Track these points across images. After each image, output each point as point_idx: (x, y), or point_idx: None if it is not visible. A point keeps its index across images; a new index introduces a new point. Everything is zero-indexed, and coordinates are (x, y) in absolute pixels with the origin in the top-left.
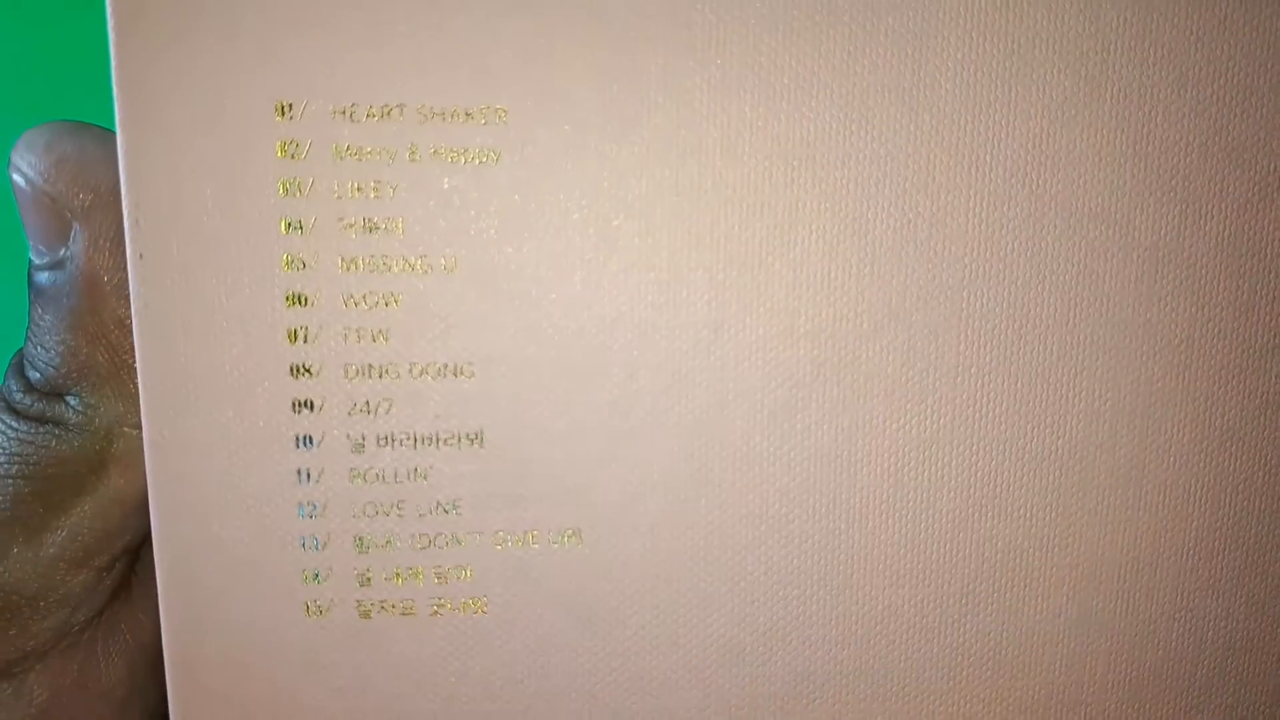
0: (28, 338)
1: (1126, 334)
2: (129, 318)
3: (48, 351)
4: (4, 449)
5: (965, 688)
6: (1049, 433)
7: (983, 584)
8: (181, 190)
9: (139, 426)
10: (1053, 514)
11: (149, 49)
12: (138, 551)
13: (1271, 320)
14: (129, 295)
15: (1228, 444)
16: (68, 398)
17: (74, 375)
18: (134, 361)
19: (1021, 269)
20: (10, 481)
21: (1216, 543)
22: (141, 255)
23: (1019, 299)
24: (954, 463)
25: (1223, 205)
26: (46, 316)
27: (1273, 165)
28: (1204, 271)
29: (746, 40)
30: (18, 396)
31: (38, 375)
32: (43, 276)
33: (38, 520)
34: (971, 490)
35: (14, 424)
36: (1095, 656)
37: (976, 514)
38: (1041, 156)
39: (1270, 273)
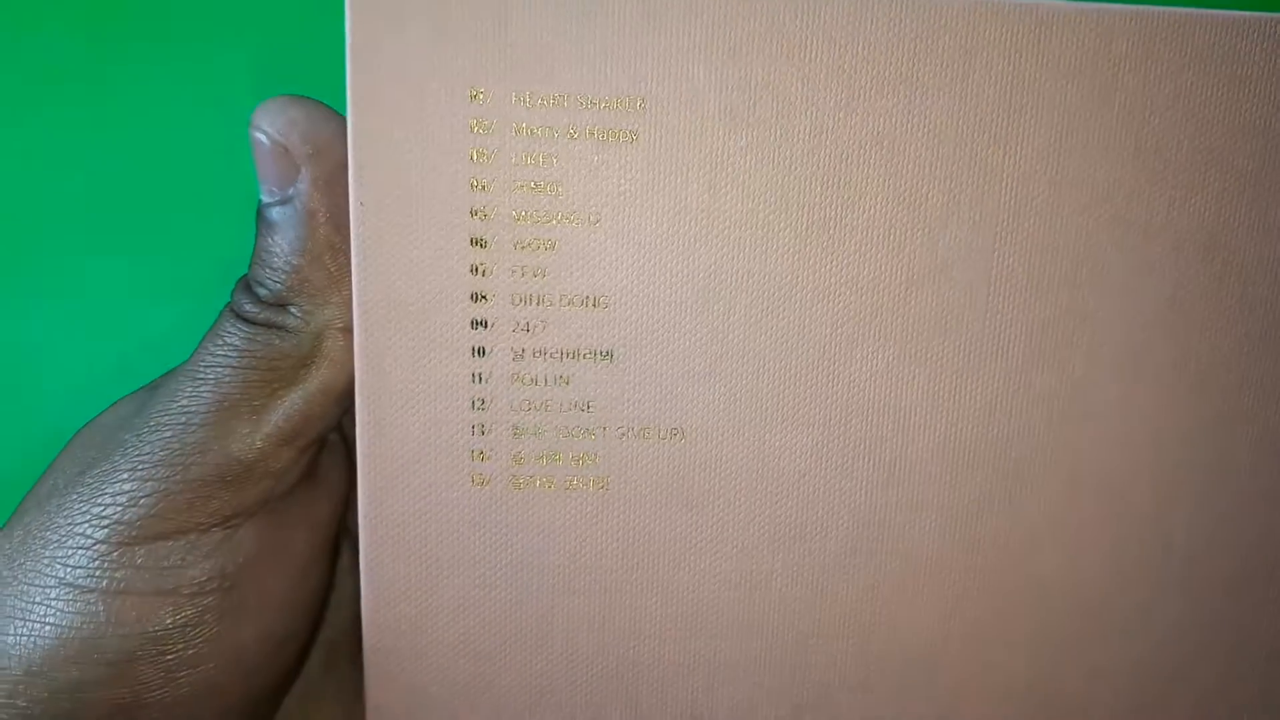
0: (254, 263)
1: (1122, 295)
2: (340, 243)
3: (275, 271)
4: (237, 348)
5: (983, 569)
6: (1054, 370)
7: (996, 487)
8: (395, 153)
9: (345, 329)
10: (1052, 434)
11: (376, 39)
12: (324, 442)
13: (1242, 294)
14: (339, 225)
15: (1209, 389)
16: (290, 307)
17: (295, 289)
18: (343, 277)
19: (1040, 237)
20: (241, 372)
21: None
22: (362, 203)
23: (1037, 262)
24: (975, 388)
25: (1203, 195)
26: (277, 243)
27: (1242, 166)
28: (1186, 246)
29: (831, 49)
30: (248, 308)
31: (265, 291)
32: (274, 212)
33: (260, 403)
34: (988, 408)
35: (245, 328)
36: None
37: (990, 426)
38: (1061, 149)
39: (1239, 250)
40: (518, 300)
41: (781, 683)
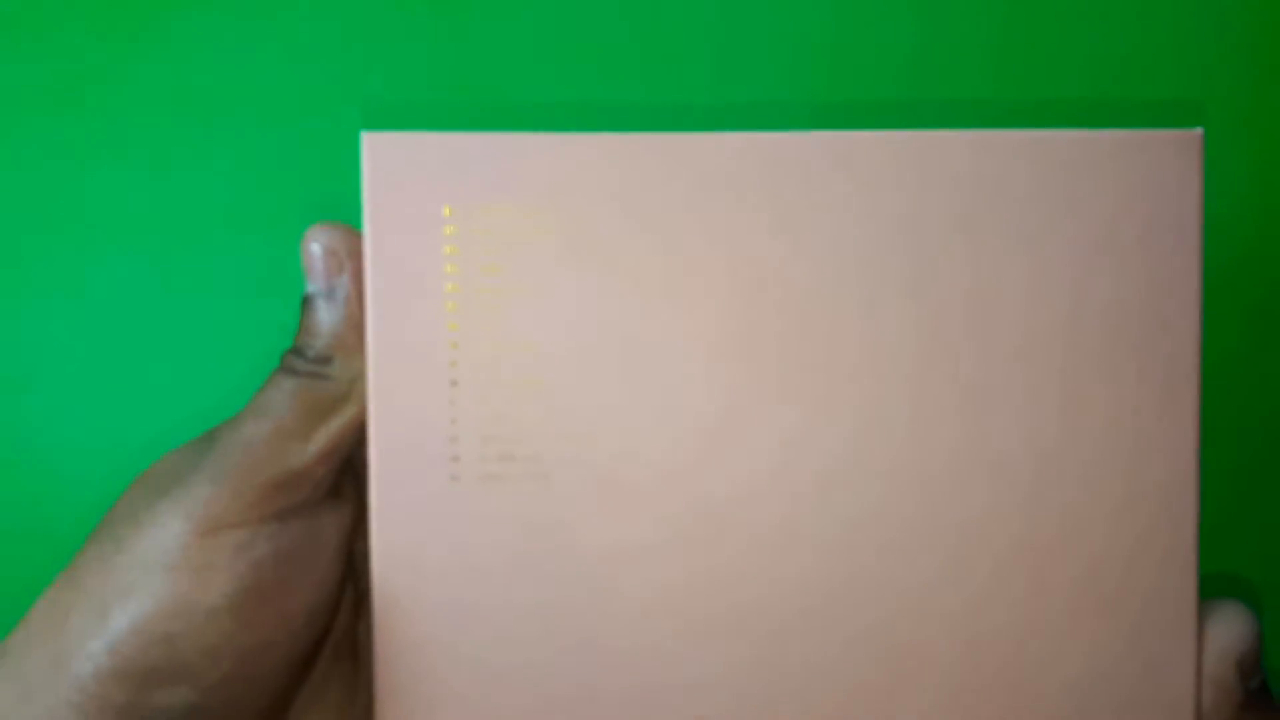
0: (301, 334)
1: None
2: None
3: (321, 338)
4: (292, 392)
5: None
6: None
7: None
8: (396, 251)
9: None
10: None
11: (383, 185)
12: (346, 469)
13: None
14: (363, 304)
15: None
16: (332, 362)
17: (337, 348)
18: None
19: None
20: (296, 409)
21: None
22: (373, 291)
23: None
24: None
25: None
26: (324, 319)
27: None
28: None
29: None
30: (299, 365)
31: (312, 353)
32: (322, 298)
33: (309, 429)
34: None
35: (296, 379)
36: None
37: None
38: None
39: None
40: (480, 347)
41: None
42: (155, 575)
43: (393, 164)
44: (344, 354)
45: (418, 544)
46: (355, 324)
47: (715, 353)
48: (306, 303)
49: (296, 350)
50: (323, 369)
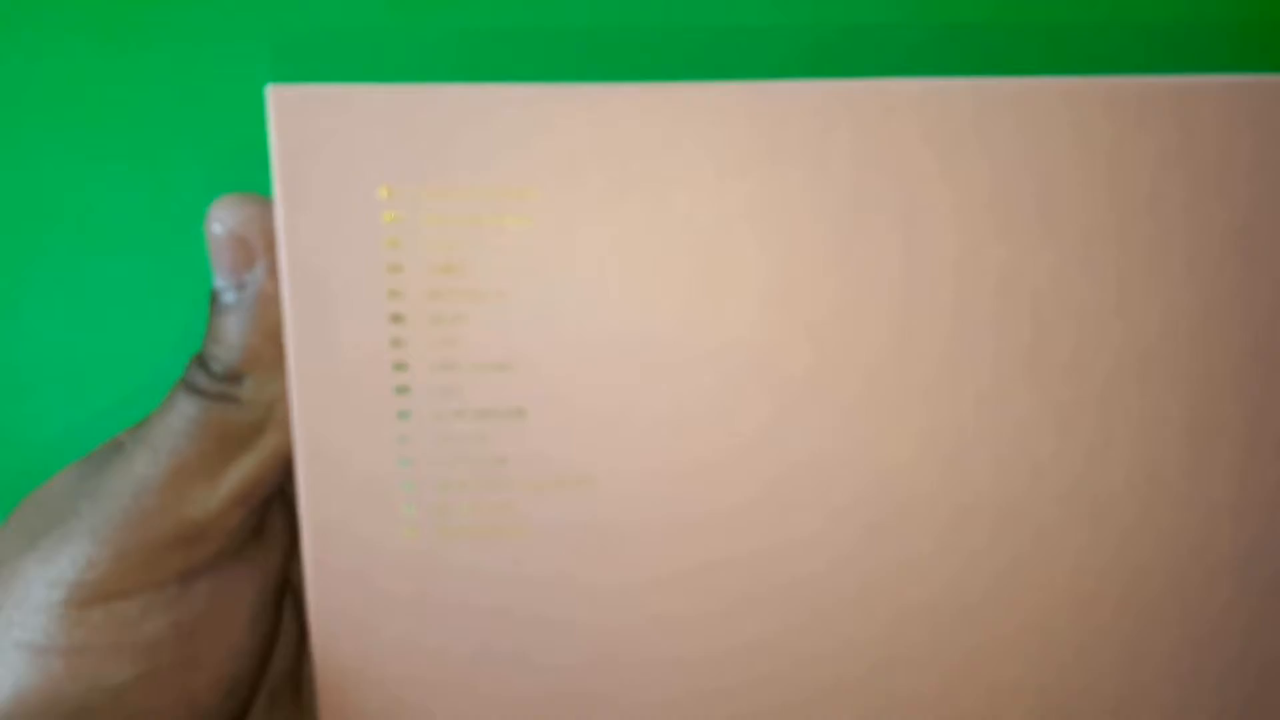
0: (208, 341)
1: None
2: None
3: (228, 349)
4: (193, 418)
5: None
6: (1055, 447)
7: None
8: (319, 245)
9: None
10: (1057, 519)
11: (296, 150)
12: (272, 501)
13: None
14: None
15: (1218, 452)
16: (244, 381)
17: (250, 364)
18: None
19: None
20: (198, 441)
21: (1205, 542)
22: (294, 290)
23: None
24: (880, 430)
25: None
26: (229, 324)
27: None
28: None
29: (706, 130)
30: (203, 382)
31: (219, 366)
32: (229, 297)
33: (215, 469)
34: (979, 493)
35: (200, 401)
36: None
37: (901, 473)
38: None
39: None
40: (436, 368)
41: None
42: (20, 655)
43: (312, 128)
44: (260, 370)
45: (362, 605)
46: (273, 331)
47: (745, 369)
48: (213, 301)
49: (201, 362)
50: (232, 389)
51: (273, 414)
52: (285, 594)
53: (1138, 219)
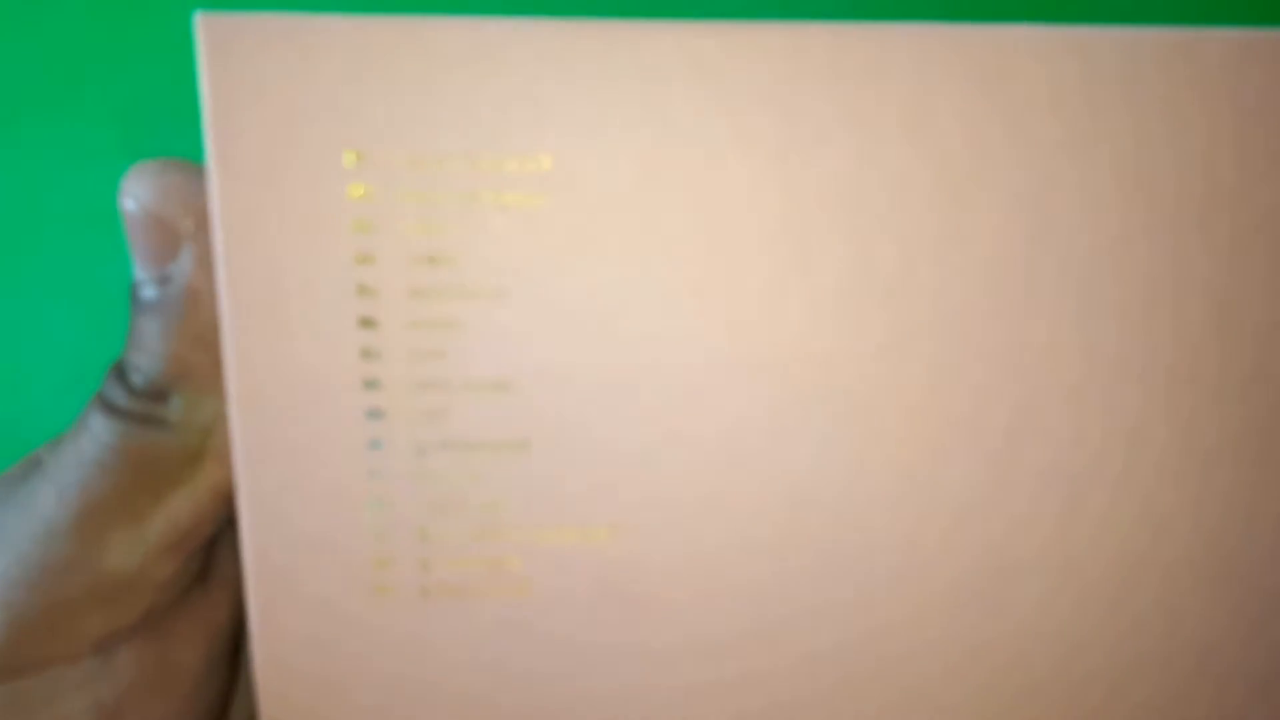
0: (127, 347)
1: (1116, 355)
2: None
3: (151, 358)
4: (108, 445)
5: (956, 677)
6: (1041, 445)
7: (976, 584)
8: (265, 227)
9: None
10: (1050, 524)
11: (235, 100)
12: (214, 541)
13: (1245, 342)
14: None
15: (1210, 457)
16: (171, 398)
17: (177, 377)
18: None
19: (1019, 295)
20: (115, 474)
21: (1195, 550)
22: (231, 284)
23: (1015, 323)
24: (947, 471)
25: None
26: (151, 326)
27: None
28: (1187, 298)
29: (770, 88)
30: (120, 400)
31: (140, 379)
32: (149, 291)
33: (139, 509)
34: (963, 496)
35: (117, 423)
36: (1082, 653)
37: (965, 517)
38: (1038, 198)
39: (1237, 301)
40: (416, 387)
41: None
42: None
43: (254, 70)
44: (190, 387)
45: (320, 682)
46: (205, 337)
47: (809, 388)
48: (132, 297)
49: (120, 373)
50: (157, 409)
51: (208, 441)
52: (243, 641)
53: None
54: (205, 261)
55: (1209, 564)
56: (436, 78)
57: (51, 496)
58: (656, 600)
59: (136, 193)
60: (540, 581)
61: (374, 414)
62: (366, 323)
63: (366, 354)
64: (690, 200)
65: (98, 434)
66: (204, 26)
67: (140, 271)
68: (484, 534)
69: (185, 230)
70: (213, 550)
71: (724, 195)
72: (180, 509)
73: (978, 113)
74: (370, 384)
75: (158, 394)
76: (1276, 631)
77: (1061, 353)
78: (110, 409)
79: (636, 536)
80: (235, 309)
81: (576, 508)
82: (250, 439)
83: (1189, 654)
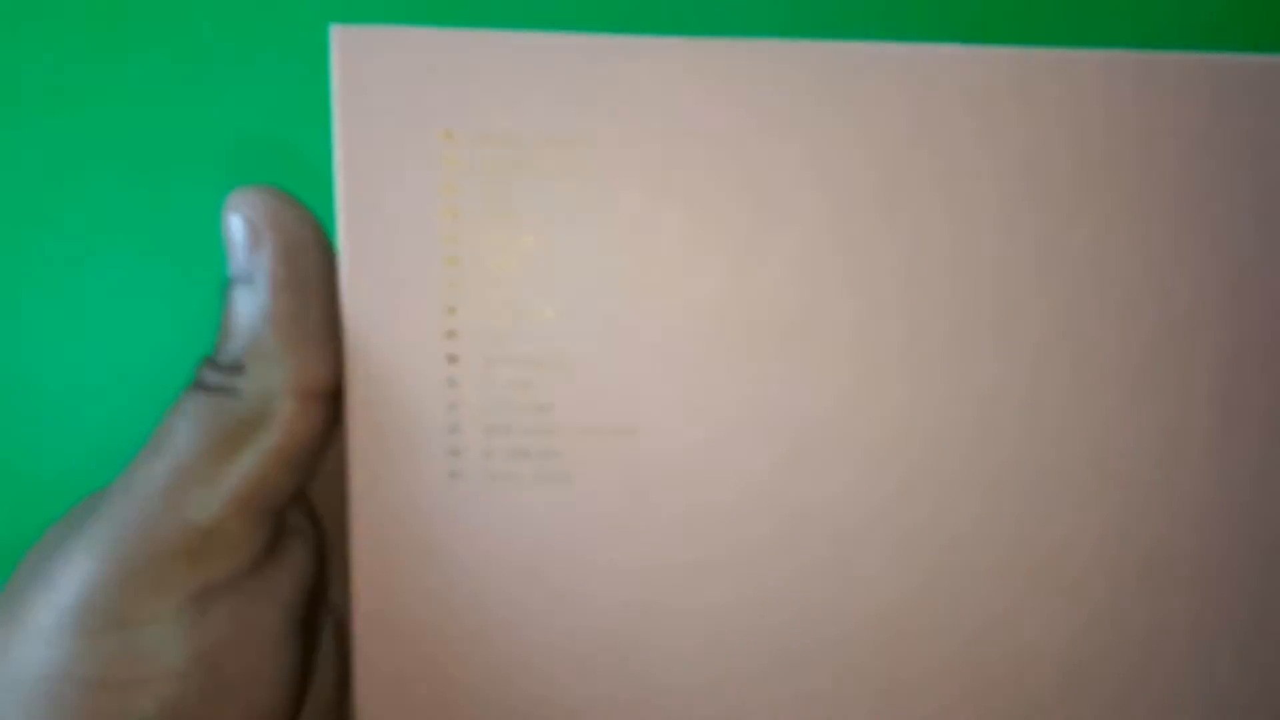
0: (219, 336)
1: (1108, 370)
2: (300, 311)
3: (237, 339)
4: (192, 415)
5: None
6: (1081, 416)
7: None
8: (375, 207)
9: (296, 392)
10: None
11: (361, 106)
12: (284, 521)
13: (1227, 348)
14: (300, 293)
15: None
16: (245, 371)
17: (250, 352)
18: (301, 342)
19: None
20: (196, 439)
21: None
22: (351, 243)
23: (1015, 326)
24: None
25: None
26: (241, 312)
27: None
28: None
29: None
30: (209, 377)
31: (226, 358)
32: (241, 285)
33: (215, 468)
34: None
35: (202, 397)
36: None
37: (982, 445)
38: (1045, 248)
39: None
40: (486, 314)
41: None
42: (36, 695)
43: (375, 70)
44: (260, 361)
45: (407, 568)
46: (281, 319)
47: (785, 331)
48: (226, 294)
49: (211, 358)
50: (233, 381)
51: (269, 408)
52: (323, 620)
53: (1168, 193)
54: (280, 255)
55: (1201, 561)
56: (521, 78)
57: (146, 464)
58: (671, 493)
59: (238, 206)
60: (580, 472)
61: (450, 335)
62: (449, 266)
63: (451, 310)
64: (736, 213)
65: (185, 407)
66: (339, 39)
67: (233, 271)
68: (533, 430)
69: (265, 232)
70: (280, 535)
71: (771, 214)
72: (248, 468)
73: (969, 128)
74: (450, 311)
75: (234, 369)
76: (1276, 632)
77: (1054, 355)
78: (199, 386)
79: (662, 435)
80: (352, 290)
81: (608, 412)
82: (358, 368)
83: (1190, 654)
